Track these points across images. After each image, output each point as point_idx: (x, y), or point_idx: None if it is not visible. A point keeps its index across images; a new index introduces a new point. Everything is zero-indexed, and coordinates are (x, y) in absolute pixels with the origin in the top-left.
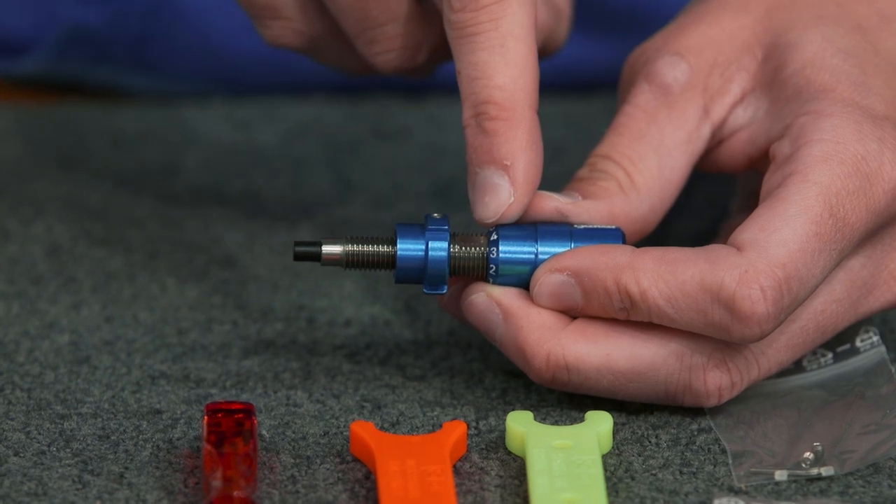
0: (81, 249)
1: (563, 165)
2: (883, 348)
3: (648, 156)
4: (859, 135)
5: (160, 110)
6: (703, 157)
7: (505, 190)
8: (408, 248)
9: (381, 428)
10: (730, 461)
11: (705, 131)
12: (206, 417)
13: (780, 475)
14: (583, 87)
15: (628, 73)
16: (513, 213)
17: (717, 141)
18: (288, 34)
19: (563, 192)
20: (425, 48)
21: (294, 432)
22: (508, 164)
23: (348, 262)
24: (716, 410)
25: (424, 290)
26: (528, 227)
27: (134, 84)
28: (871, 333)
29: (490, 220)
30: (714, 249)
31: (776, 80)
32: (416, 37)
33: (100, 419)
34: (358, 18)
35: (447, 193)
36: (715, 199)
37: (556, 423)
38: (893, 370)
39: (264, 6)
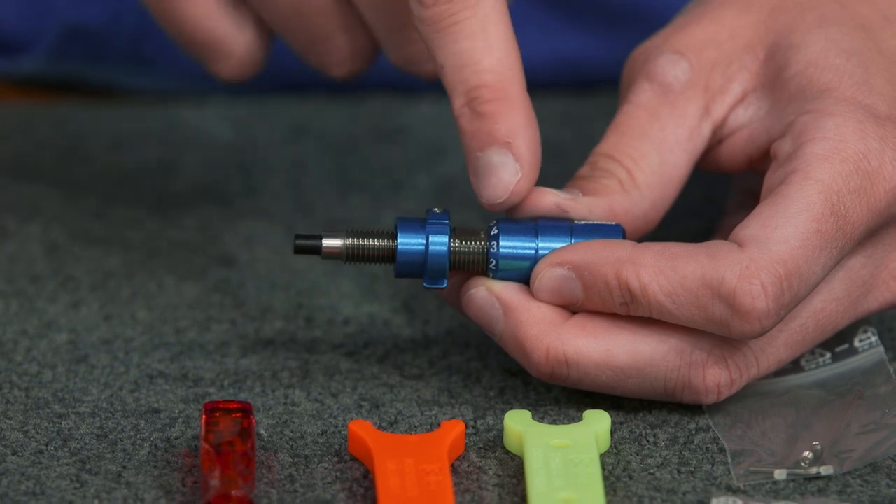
0: (80, 248)
1: (563, 165)
2: (881, 348)
3: (650, 154)
4: (861, 133)
5: (158, 109)
6: (704, 156)
7: (511, 166)
8: (408, 242)
9: (380, 427)
10: (729, 460)
11: (706, 130)
12: (204, 416)
13: (780, 474)
14: (583, 86)
15: (629, 71)
16: (521, 191)
17: (717, 140)
18: (239, 69)
19: (563, 189)
20: (372, 47)
21: (292, 431)
22: (510, 141)
23: (349, 255)
24: (714, 409)
25: (424, 285)
26: (528, 222)
27: (132, 83)
28: (869, 333)
29: (500, 200)
30: (715, 245)
31: (778, 80)
32: (361, 40)
33: (98, 418)
34: (304, 38)
35: (447, 193)
36: (713, 199)
37: (554, 422)
38: (892, 370)
39: (209, 48)
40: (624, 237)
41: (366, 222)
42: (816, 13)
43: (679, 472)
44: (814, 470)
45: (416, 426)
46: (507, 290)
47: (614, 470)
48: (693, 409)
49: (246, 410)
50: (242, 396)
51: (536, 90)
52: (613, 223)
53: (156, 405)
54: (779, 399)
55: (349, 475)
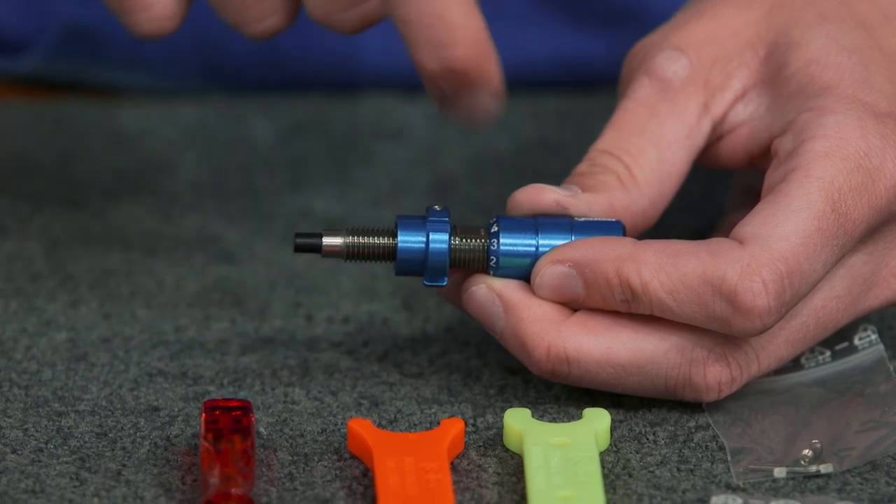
0: (79, 246)
1: (562, 162)
2: (881, 346)
3: (648, 150)
4: (862, 131)
5: (158, 107)
6: (703, 153)
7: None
8: (408, 240)
9: (379, 425)
10: (728, 458)
11: (705, 126)
12: (203, 414)
13: (779, 472)
14: (581, 84)
15: (628, 67)
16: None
17: (717, 136)
18: (158, 23)
19: (562, 185)
20: (293, 3)
21: (292, 429)
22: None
23: (349, 253)
24: (714, 407)
25: (425, 282)
26: (528, 219)
27: (132, 82)
28: (869, 332)
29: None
30: (716, 242)
31: (779, 77)
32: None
33: (97, 416)
34: None
35: (446, 191)
36: (712, 196)
37: (553, 420)
38: (892, 368)
39: None
40: (624, 234)
41: (366, 221)
42: (816, 10)
43: (679, 470)
44: (813, 468)
45: (415, 424)
46: (507, 288)
47: (614, 468)
48: (693, 407)
49: (245, 408)
50: (242, 394)
51: (537, 89)
52: (614, 220)
53: (155, 403)
54: (779, 397)
55: (349, 473)
